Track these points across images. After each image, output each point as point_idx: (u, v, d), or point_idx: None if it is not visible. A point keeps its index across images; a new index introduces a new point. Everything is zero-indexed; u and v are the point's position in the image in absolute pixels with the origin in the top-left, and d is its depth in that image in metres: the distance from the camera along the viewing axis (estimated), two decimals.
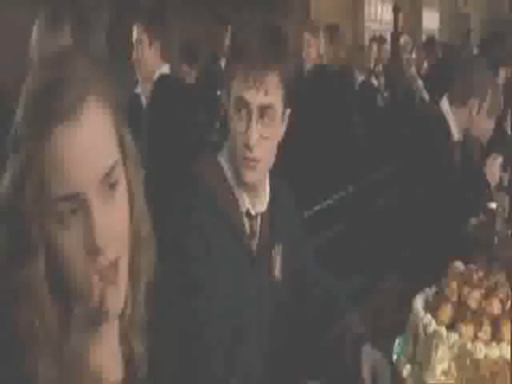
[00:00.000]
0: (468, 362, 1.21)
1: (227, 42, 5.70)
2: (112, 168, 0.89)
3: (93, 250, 0.86)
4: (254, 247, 1.60)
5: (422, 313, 1.34)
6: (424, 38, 11.13)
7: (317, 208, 3.53)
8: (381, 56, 7.18)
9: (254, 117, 1.47)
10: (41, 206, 0.86)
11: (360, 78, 5.86)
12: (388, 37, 9.47)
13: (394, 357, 1.40)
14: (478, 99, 2.80)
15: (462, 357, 1.22)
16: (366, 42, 8.14)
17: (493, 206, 2.66)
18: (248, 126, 1.48)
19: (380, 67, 7.06)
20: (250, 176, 1.52)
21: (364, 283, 2.92)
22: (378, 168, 4.47)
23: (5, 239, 0.88)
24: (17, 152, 0.86)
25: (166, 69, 3.27)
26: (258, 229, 1.61)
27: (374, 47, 7.06)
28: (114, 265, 0.89)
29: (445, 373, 1.21)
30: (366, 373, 1.51)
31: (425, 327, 1.30)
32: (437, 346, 1.22)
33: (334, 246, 3.46)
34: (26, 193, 0.85)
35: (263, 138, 1.49)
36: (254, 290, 1.59)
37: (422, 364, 1.25)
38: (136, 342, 1.00)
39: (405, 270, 2.53)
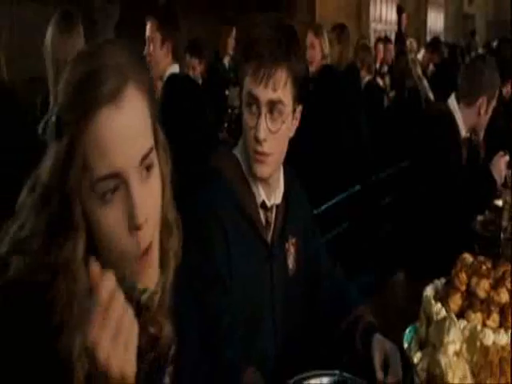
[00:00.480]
0: (478, 344, 1.25)
1: (231, 42, 5.75)
2: (150, 150, 0.95)
3: (134, 226, 0.91)
4: (269, 239, 1.65)
5: (432, 301, 1.38)
6: (429, 38, 11.16)
7: (324, 207, 3.55)
8: (386, 56, 7.22)
9: (263, 111, 1.52)
10: (84, 187, 0.91)
11: (366, 78, 5.88)
12: (393, 37, 9.50)
13: (405, 345, 1.42)
14: (487, 98, 2.83)
15: (472, 340, 1.26)
16: (372, 42, 8.17)
17: (499, 203, 2.68)
18: (257, 121, 1.52)
19: (385, 67, 7.09)
20: (260, 170, 1.56)
21: (370, 281, 2.93)
22: (384, 167, 4.49)
23: (45, 221, 0.93)
24: (60, 137, 0.91)
25: (176, 68, 3.28)
26: (273, 221, 1.65)
27: (380, 47, 7.09)
28: (148, 248, 0.94)
29: (457, 354, 1.25)
30: (377, 360, 1.55)
31: (436, 315, 1.34)
32: (449, 329, 1.26)
33: (341, 244, 3.48)
34: (70, 175, 0.90)
35: (272, 133, 1.53)
36: (269, 280, 1.63)
37: (434, 345, 1.29)
38: (165, 322, 1.04)
39: (411, 268, 2.55)
